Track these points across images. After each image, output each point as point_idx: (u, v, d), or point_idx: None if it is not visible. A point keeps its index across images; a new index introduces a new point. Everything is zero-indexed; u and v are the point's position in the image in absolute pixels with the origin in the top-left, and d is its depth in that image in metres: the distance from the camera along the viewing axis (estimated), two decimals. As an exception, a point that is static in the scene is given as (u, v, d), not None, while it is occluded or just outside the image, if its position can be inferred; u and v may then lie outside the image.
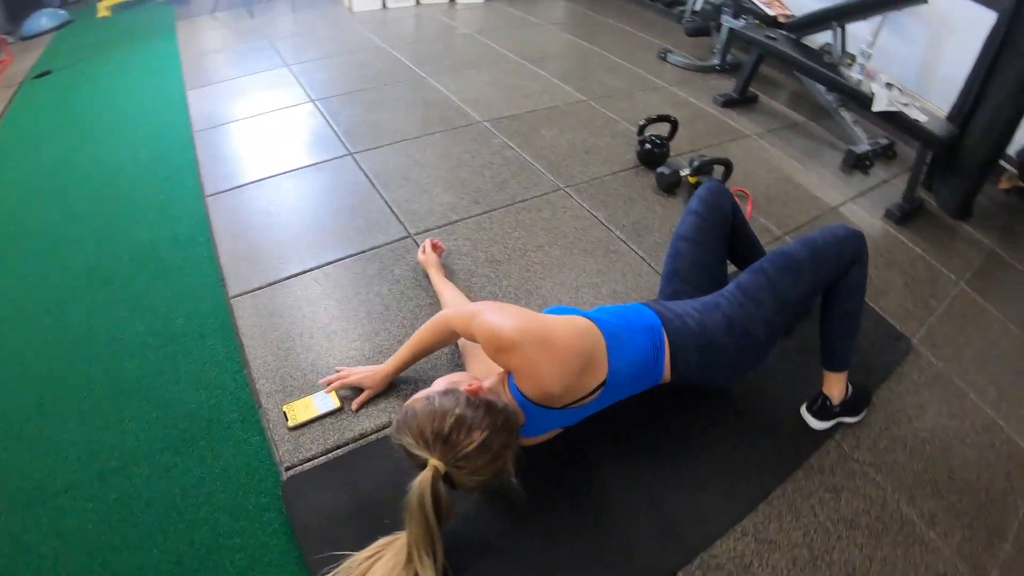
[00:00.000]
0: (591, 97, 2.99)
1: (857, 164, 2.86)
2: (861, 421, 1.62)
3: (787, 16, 3.15)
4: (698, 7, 3.99)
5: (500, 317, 1.13)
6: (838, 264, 1.37)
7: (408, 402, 1.10)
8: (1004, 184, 2.91)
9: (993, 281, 2.42)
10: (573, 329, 1.17)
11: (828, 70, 2.73)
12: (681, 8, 4.23)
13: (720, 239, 1.57)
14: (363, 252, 1.85)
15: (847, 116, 3.13)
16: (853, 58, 2.76)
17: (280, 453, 1.28)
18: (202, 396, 1.40)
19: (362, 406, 1.41)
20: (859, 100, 2.56)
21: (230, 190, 2.10)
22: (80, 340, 1.56)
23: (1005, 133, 2.53)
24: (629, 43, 3.82)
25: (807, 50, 2.92)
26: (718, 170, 2.36)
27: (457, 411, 1.00)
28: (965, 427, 1.72)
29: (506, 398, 1.13)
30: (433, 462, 0.98)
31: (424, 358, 1.47)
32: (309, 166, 2.24)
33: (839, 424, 1.60)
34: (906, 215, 2.50)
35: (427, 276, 1.76)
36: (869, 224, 2.53)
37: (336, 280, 1.75)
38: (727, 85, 3.40)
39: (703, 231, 1.54)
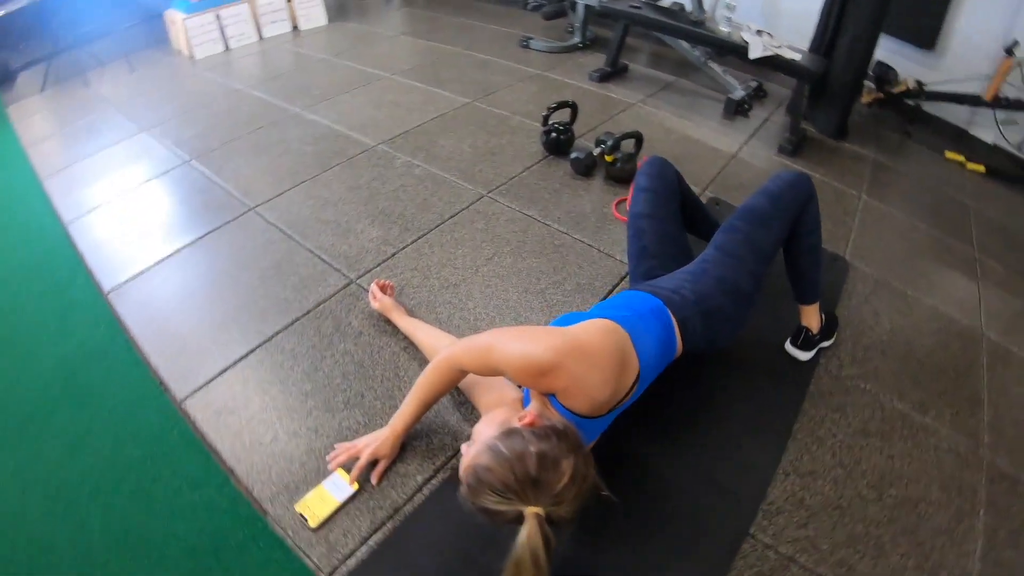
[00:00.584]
0: (474, 98, 3.00)
1: (738, 110, 3.13)
2: (835, 342, 1.80)
3: None
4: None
5: (524, 343, 1.09)
6: (796, 205, 1.49)
7: (466, 463, 1.00)
8: (867, 98, 3.35)
9: (886, 186, 2.77)
10: (600, 331, 1.15)
11: (701, 29, 2.96)
12: None
13: (676, 208, 1.64)
14: (309, 312, 1.71)
15: (717, 67, 3.42)
16: (733, 8, 2.94)
17: (314, 560, 1.14)
18: (195, 524, 1.20)
19: (383, 477, 1.32)
20: (735, 51, 2.81)
21: (131, 280, 1.83)
22: (15, 508, 1.29)
23: (866, 54, 2.90)
24: (487, 38, 3.86)
25: (673, 13, 3.12)
26: (627, 144, 2.47)
27: (533, 448, 0.93)
28: (915, 321, 1.95)
29: (556, 418, 1.10)
30: (532, 510, 0.90)
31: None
32: (211, 232, 2.02)
33: (820, 350, 1.75)
34: (796, 147, 2.79)
35: (389, 321, 1.67)
36: (768, 161, 2.78)
37: (293, 349, 1.60)
38: (595, 60, 3.56)
39: (660, 204, 1.61)
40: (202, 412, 1.43)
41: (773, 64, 2.77)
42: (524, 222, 2.13)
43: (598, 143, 2.47)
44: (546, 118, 2.52)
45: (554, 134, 2.51)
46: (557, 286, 1.86)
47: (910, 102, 3.57)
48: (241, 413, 1.43)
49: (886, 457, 1.51)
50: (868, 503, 1.40)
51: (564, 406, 1.12)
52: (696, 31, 2.97)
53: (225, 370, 1.54)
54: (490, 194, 2.26)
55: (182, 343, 1.61)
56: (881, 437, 1.56)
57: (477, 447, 1.01)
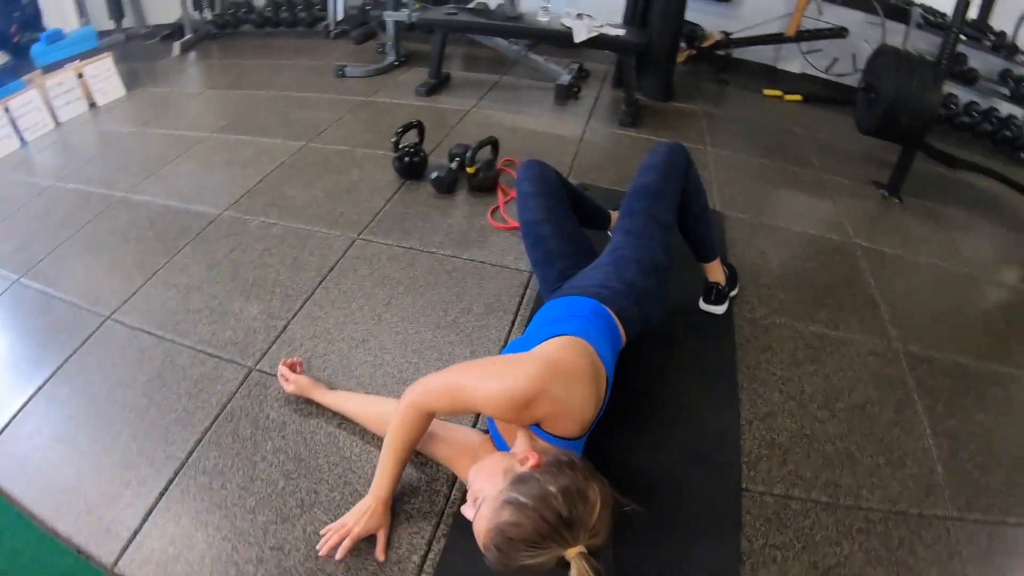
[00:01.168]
0: (307, 139, 2.77)
1: (568, 95, 3.27)
2: (740, 289, 1.92)
3: None
4: (340, 16, 4.04)
5: (501, 378, 1.01)
6: (680, 173, 1.56)
7: (483, 527, 0.89)
8: (681, 58, 3.67)
9: (725, 134, 3.05)
10: (568, 348, 1.09)
11: (521, 23, 3.04)
12: (324, 24, 4.23)
13: (568, 206, 1.64)
14: (217, 417, 1.43)
15: (538, 58, 3.54)
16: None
17: None
18: None
19: (388, 549, 1.16)
20: (560, 38, 2.93)
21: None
22: None
23: (679, 16, 3.18)
24: (299, 75, 3.62)
25: (490, 13, 3.17)
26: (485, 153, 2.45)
27: (554, 488, 0.85)
28: (795, 249, 2.15)
29: (554, 450, 1.03)
30: (575, 551, 0.82)
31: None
32: (70, 357, 1.61)
33: (731, 300, 1.86)
34: (634, 118, 2.97)
35: (311, 401, 1.48)
36: (612, 138, 2.93)
37: (216, 466, 1.31)
38: (416, 76, 3.49)
39: (552, 206, 1.56)
40: (143, 570, 1.15)
41: (599, 43, 2.93)
42: (408, 256, 2.00)
43: (452, 157, 2.41)
44: (396, 143, 2.42)
45: (407, 158, 2.40)
46: (466, 312, 1.77)
47: (721, 53, 4.00)
48: (188, 557, 1.16)
49: (823, 377, 1.64)
50: (826, 423, 1.50)
51: (551, 434, 1.05)
52: (519, 26, 3.05)
53: (149, 513, 1.23)
54: (361, 236, 2.09)
55: (85, 497, 1.27)
56: (811, 361, 1.68)
57: (489, 505, 0.90)
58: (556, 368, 1.02)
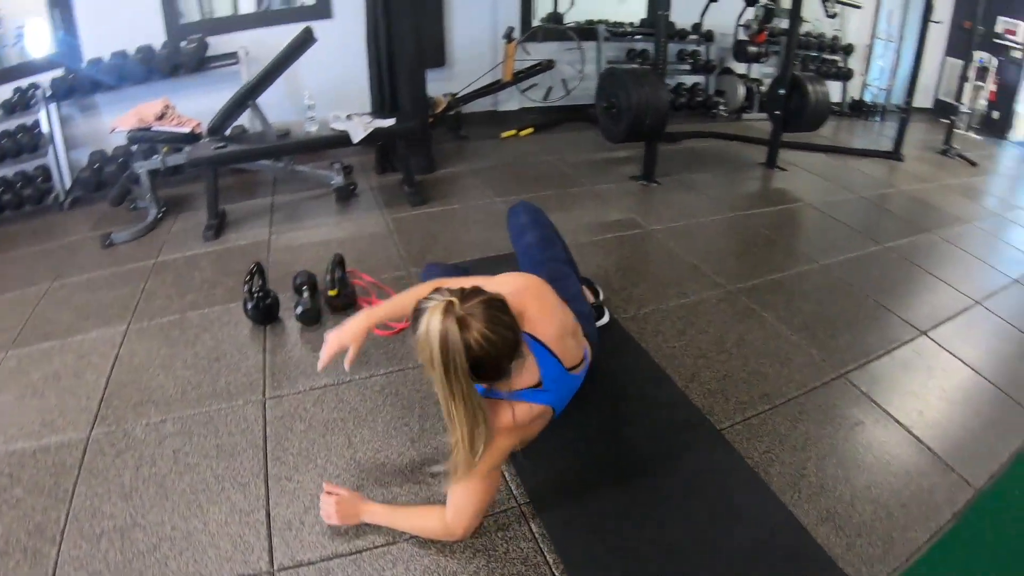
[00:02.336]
0: (126, 320, 2.40)
1: (348, 194, 3.44)
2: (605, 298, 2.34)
3: (198, 124, 3.20)
4: (68, 184, 3.57)
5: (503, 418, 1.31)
6: (545, 219, 1.93)
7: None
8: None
9: (497, 182, 3.69)
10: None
11: (297, 139, 3.15)
12: (53, 195, 3.66)
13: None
14: None
15: (304, 167, 3.59)
16: (313, 106, 3.19)
17: None
18: None
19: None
20: (337, 143, 3.08)
21: None
22: None
23: (424, 95, 3.62)
24: (60, 256, 3.08)
25: (260, 137, 3.21)
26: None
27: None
28: (613, 253, 2.68)
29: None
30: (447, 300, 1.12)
31: None
32: None
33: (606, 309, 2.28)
34: (421, 195, 3.34)
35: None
36: (415, 219, 3.22)
37: None
38: (187, 222, 3.30)
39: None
40: None
41: (377, 138, 3.13)
42: (330, 393, 1.95)
43: (300, 288, 2.37)
44: (250, 290, 2.30)
45: (261, 304, 2.31)
46: (425, 416, 1.85)
47: (451, 113, 4.49)
48: None
49: (704, 333, 2.22)
50: (728, 361, 2.08)
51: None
52: (293, 143, 3.11)
53: None
54: (268, 396, 1.98)
55: None
56: (690, 326, 2.24)
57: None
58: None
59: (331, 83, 3.95)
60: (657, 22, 3.45)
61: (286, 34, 4.00)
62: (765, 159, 4.24)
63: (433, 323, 1.10)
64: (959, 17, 5.90)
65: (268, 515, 1.56)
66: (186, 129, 3.18)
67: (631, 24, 5.12)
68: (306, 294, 2.36)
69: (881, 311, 2.55)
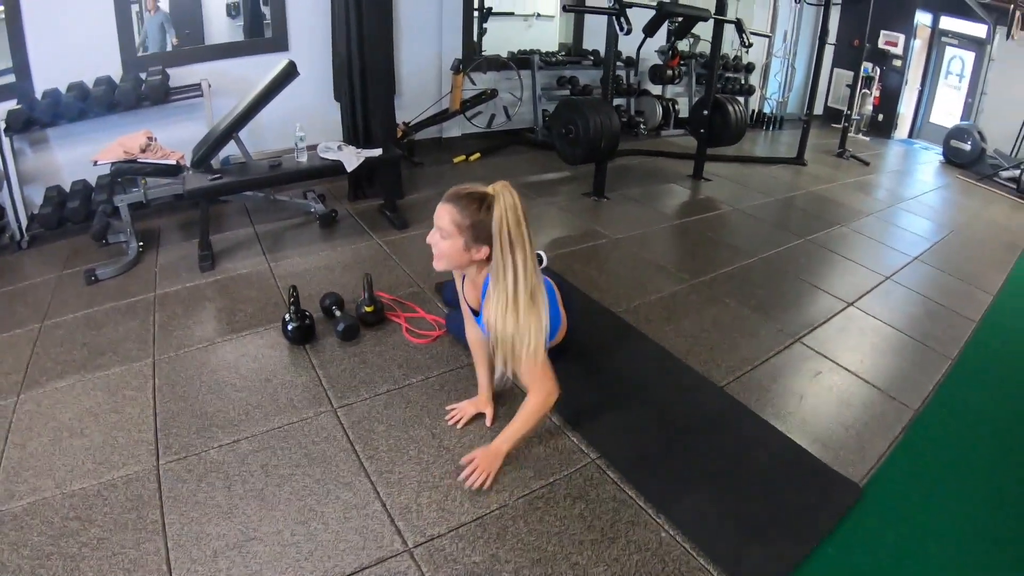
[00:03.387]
0: (149, 354, 2.43)
1: (331, 219, 3.62)
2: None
3: (182, 156, 3.23)
4: (25, 223, 3.43)
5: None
6: None
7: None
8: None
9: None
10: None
11: (290, 169, 3.26)
12: (8, 235, 3.43)
13: None
14: None
15: (285, 197, 3.71)
16: (303, 138, 3.32)
17: None
18: None
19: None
20: (331, 172, 3.29)
21: None
22: None
23: (394, 124, 3.81)
24: (40, 295, 2.95)
25: (253, 168, 3.29)
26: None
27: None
28: (586, 259, 3.08)
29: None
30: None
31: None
32: None
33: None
34: (403, 220, 3.60)
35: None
36: (406, 240, 3.45)
37: None
38: (173, 254, 3.30)
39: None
40: None
41: (367, 165, 3.34)
42: (399, 395, 2.17)
43: (330, 309, 2.57)
44: (298, 312, 2.43)
45: (302, 324, 2.44)
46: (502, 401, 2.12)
47: (405, 140, 4.75)
48: None
49: (679, 317, 2.71)
50: (713, 331, 2.56)
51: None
52: (288, 172, 3.25)
53: None
54: (338, 407, 2.13)
55: None
56: (674, 312, 2.66)
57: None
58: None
59: (289, 114, 4.03)
60: (607, 56, 3.94)
61: (244, 66, 4.20)
62: (692, 172, 4.88)
63: (509, 194, 1.64)
64: (844, 33, 6.95)
65: (383, 505, 1.74)
66: (172, 161, 3.20)
67: (561, 54, 5.64)
68: (338, 312, 2.55)
69: (816, 291, 3.16)
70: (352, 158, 3.28)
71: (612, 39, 3.79)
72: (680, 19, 4.32)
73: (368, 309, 2.55)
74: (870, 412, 2.25)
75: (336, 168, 3.29)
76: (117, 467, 1.89)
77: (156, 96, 3.73)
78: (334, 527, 1.67)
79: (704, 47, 6.09)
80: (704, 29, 5.14)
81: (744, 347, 2.56)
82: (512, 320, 1.64)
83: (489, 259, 1.70)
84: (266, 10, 4.48)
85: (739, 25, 4.53)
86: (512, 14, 6.09)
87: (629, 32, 3.52)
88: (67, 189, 3.68)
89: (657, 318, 2.73)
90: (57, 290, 3.05)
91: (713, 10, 4.31)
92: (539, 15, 6.98)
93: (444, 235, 1.71)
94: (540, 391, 1.77)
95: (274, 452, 1.94)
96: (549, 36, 6.98)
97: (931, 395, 2.39)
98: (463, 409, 2.06)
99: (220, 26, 4.39)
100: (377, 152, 3.41)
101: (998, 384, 2.61)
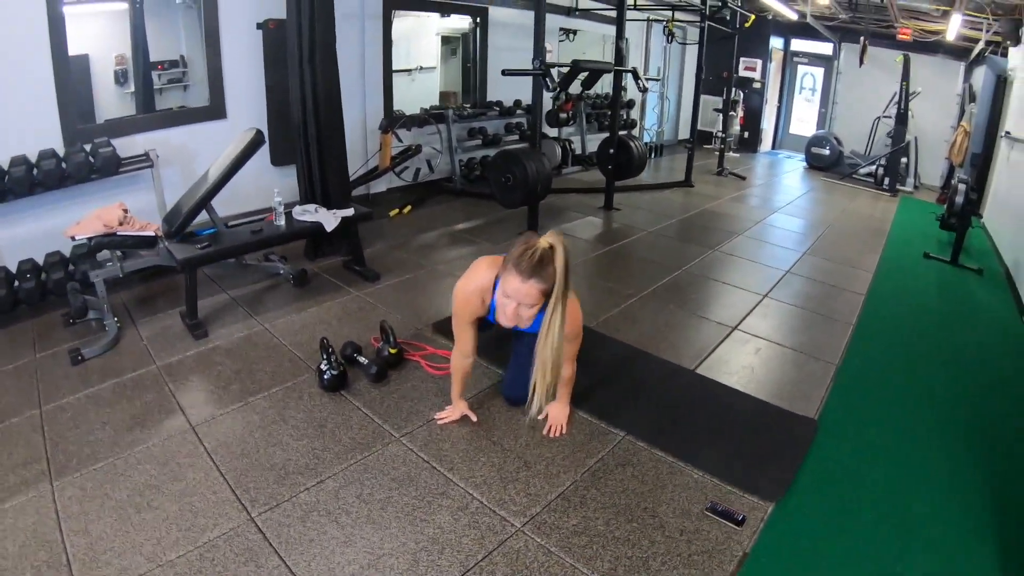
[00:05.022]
0: (181, 427, 2.47)
1: (303, 279, 3.91)
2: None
3: (158, 228, 3.34)
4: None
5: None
6: None
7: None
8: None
9: (415, 251, 4.34)
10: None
11: (271, 233, 3.53)
12: None
13: None
14: None
15: (254, 261, 3.95)
16: (281, 203, 3.57)
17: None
18: None
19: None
20: (311, 234, 3.66)
21: None
22: None
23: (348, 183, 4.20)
24: (24, 381, 2.88)
25: (235, 235, 3.50)
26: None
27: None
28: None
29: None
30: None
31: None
32: None
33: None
34: (372, 274, 3.99)
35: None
36: (379, 292, 3.83)
37: None
38: (155, 326, 3.36)
39: None
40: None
41: (345, 222, 3.71)
42: (468, 432, 2.55)
43: (353, 357, 2.89)
44: (337, 361, 2.73)
45: (338, 372, 2.73)
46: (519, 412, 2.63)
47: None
48: None
49: (640, 324, 3.31)
50: (669, 331, 3.18)
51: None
52: (270, 236, 3.52)
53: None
54: (401, 436, 2.46)
55: None
56: (635, 321, 3.32)
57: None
58: None
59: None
60: (534, 111, 4.66)
61: (184, 134, 4.39)
62: (603, 204, 5.74)
63: (562, 246, 1.97)
64: (710, 65, 8.21)
65: (481, 502, 2.15)
66: (150, 233, 3.30)
67: (469, 108, 6.33)
68: (361, 359, 2.92)
69: (735, 289, 4.10)
70: (330, 219, 3.64)
71: (538, 95, 4.52)
72: (588, 72, 5.17)
73: (392, 351, 2.93)
74: (804, 370, 3.11)
75: (315, 230, 3.64)
76: (208, 528, 2.00)
77: (108, 168, 3.78)
78: (449, 528, 2.03)
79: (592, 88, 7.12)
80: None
81: (696, 340, 3.31)
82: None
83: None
84: (182, 75, 4.63)
85: (635, 73, 5.51)
86: (404, 71, 6.72)
87: (555, 90, 4.25)
88: (13, 270, 3.55)
89: (624, 327, 3.40)
90: (40, 374, 2.98)
91: (613, 62, 5.24)
92: (422, 68, 7.69)
93: (531, 304, 2.02)
94: (573, 362, 2.40)
95: (363, 484, 2.23)
96: (432, 87, 7.68)
97: (844, 351, 3.32)
98: (449, 414, 2.56)
99: (109, 94, 4.41)
100: (350, 212, 3.79)
101: (890, 334, 3.69)
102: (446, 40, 7.92)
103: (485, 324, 2.45)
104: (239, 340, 3.26)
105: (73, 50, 3.85)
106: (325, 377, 2.76)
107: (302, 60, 3.93)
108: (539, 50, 4.30)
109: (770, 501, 2.17)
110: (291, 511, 2.09)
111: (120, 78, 4.49)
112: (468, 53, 7.19)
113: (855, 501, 2.24)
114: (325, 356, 2.78)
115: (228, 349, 3.17)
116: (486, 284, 2.21)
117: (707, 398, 2.78)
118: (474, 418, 2.54)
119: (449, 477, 2.28)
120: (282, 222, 3.61)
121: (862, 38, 8.61)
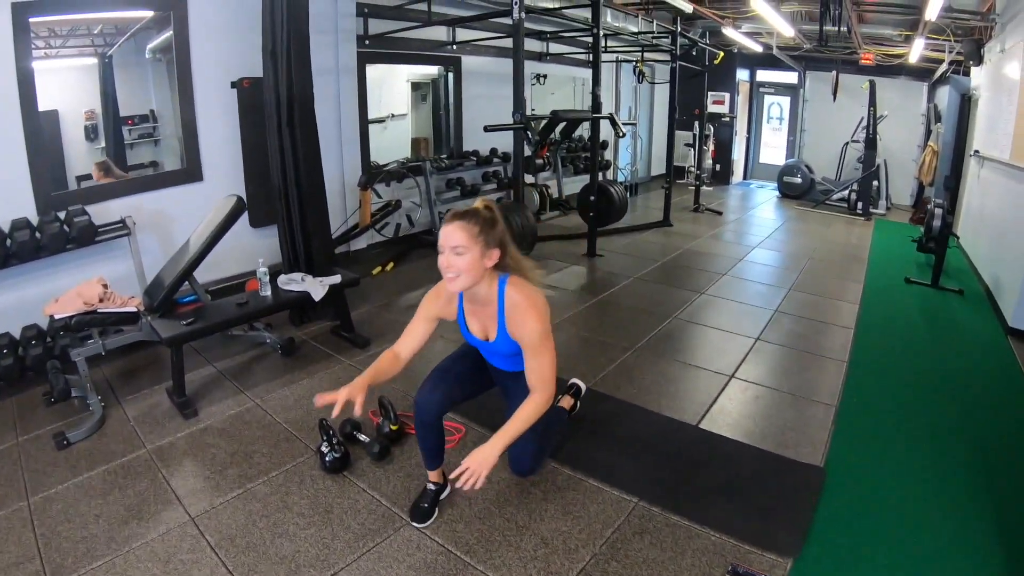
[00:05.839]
0: (190, 508, 2.39)
1: (291, 348, 3.94)
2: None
3: (139, 302, 3.37)
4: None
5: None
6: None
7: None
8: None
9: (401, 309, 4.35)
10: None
11: (259, 305, 3.57)
12: None
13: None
14: None
15: (241, 332, 3.98)
16: (266, 273, 3.59)
17: None
18: None
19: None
20: (298, 303, 3.74)
21: None
22: None
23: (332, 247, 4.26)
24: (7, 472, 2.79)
25: (221, 309, 3.53)
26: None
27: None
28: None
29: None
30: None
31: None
32: None
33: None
34: (362, 340, 4.04)
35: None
36: (372, 358, 3.70)
37: None
38: (142, 406, 3.34)
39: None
40: None
41: (333, 289, 3.76)
42: (463, 494, 2.57)
43: (352, 435, 2.92)
44: (329, 445, 2.73)
45: (337, 452, 2.73)
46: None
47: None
48: None
49: (638, 378, 3.42)
50: (670, 383, 3.31)
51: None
52: (258, 309, 3.56)
53: None
54: (427, 529, 2.47)
55: None
56: (632, 376, 3.43)
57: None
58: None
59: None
60: (515, 164, 4.82)
61: (160, 199, 4.42)
62: (586, 251, 5.89)
63: (495, 205, 2.06)
64: (679, 100, 8.54)
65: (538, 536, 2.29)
66: (132, 308, 3.30)
67: (446, 158, 6.49)
68: (362, 437, 2.94)
69: (727, 335, 4.23)
70: (318, 287, 3.68)
71: (519, 147, 4.68)
72: (566, 122, 5.37)
73: (393, 428, 2.94)
74: (805, 415, 3.22)
75: (303, 299, 3.68)
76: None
77: (84, 238, 3.76)
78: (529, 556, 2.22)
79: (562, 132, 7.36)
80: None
81: (695, 392, 3.41)
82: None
83: (498, 265, 2.09)
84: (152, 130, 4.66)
85: (613, 119, 5.72)
86: (377, 120, 6.88)
87: (536, 143, 4.41)
88: None
89: (623, 383, 3.48)
90: (24, 461, 2.93)
91: (591, 110, 5.45)
92: (393, 115, 7.88)
93: (461, 251, 1.98)
94: (544, 391, 2.12)
95: (378, 575, 2.22)
96: (404, 135, 7.87)
97: (841, 391, 3.46)
98: (332, 397, 2.12)
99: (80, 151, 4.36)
100: (337, 279, 3.84)
101: (882, 367, 3.85)
102: (416, 86, 8.15)
103: (486, 381, 2.51)
104: (231, 418, 3.24)
105: (42, 106, 3.84)
106: (327, 459, 2.76)
107: (280, 122, 3.98)
108: (519, 103, 4.47)
109: (789, 557, 2.24)
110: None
111: (90, 133, 4.48)
112: (439, 99, 7.41)
113: (869, 546, 2.33)
114: (325, 438, 2.79)
115: (220, 429, 3.14)
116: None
117: (714, 454, 2.86)
118: (359, 411, 2.09)
119: (467, 561, 2.29)
120: (268, 292, 3.63)
121: (835, 72, 9.11)
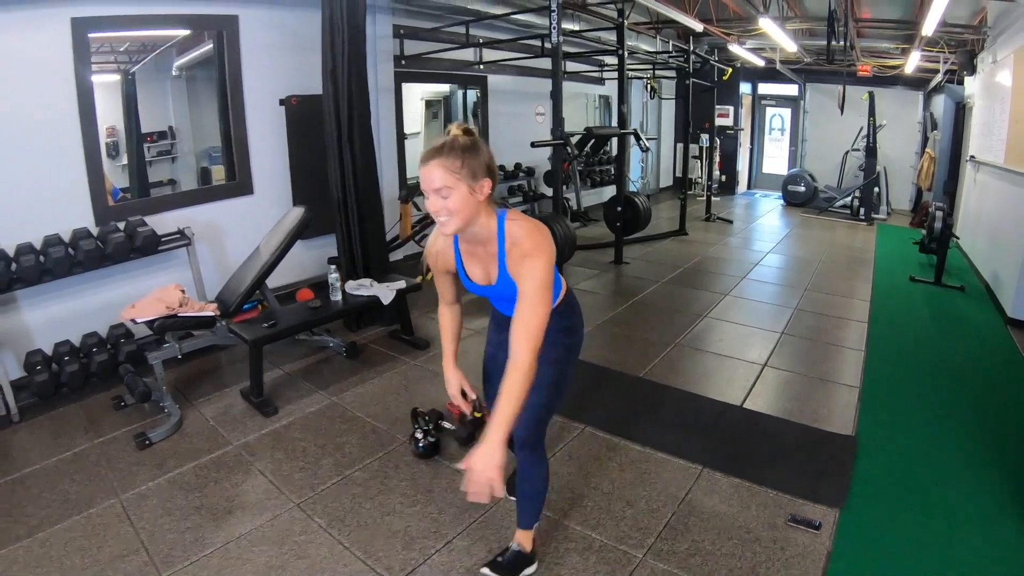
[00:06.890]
0: (295, 496, 2.68)
1: (356, 351, 4.31)
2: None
3: (215, 307, 3.66)
4: (9, 394, 3.45)
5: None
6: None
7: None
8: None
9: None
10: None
11: (332, 308, 3.98)
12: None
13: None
14: None
15: (305, 336, 4.37)
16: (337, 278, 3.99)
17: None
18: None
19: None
20: (370, 307, 4.16)
21: None
22: None
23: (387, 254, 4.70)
24: (67, 488, 2.89)
25: (299, 312, 3.93)
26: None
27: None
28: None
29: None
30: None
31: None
32: None
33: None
34: (423, 343, 4.46)
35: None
36: (435, 357, 4.26)
37: None
38: (217, 406, 3.58)
39: None
40: None
41: (399, 293, 4.21)
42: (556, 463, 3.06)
43: (438, 424, 3.22)
44: (423, 431, 3.08)
45: (431, 437, 3.10)
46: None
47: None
48: None
49: (685, 369, 3.91)
50: (703, 374, 3.81)
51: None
52: (333, 312, 4.00)
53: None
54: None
55: None
56: (676, 369, 3.93)
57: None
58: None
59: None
60: (555, 177, 5.31)
61: (212, 211, 4.73)
62: (613, 259, 6.43)
63: (469, 128, 1.80)
64: (685, 115, 9.11)
65: (603, 542, 2.60)
66: (210, 313, 3.60)
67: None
68: (448, 424, 3.35)
69: (755, 330, 4.76)
70: (386, 292, 4.12)
71: (557, 161, 5.20)
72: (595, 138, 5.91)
73: (478, 415, 3.32)
74: (833, 395, 3.76)
75: (374, 303, 4.11)
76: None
77: (147, 247, 4.00)
78: (581, 568, 2.44)
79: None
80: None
81: (735, 379, 3.91)
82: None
83: (490, 196, 1.82)
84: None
85: (637, 134, 6.28)
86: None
87: (575, 157, 4.92)
88: (49, 352, 3.72)
89: (669, 374, 3.97)
90: (107, 461, 3.09)
91: (618, 127, 6.00)
92: (407, 135, 8.35)
93: (446, 192, 1.72)
94: (528, 349, 1.72)
95: (488, 540, 2.52)
96: (419, 151, 8.29)
97: (862, 375, 4.00)
98: (456, 398, 2.25)
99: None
100: (402, 284, 4.29)
101: (897, 355, 4.38)
102: (428, 104, 8.62)
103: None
104: (312, 415, 3.54)
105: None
106: (420, 445, 3.11)
107: (340, 137, 4.34)
108: (558, 121, 4.99)
109: (836, 507, 2.73)
110: (429, 574, 2.36)
111: (112, 151, 4.59)
112: (451, 116, 7.88)
113: (903, 497, 2.83)
114: (418, 425, 3.18)
115: (304, 424, 3.44)
116: (447, 239, 2.02)
117: (759, 428, 3.36)
118: (472, 394, 2.28)
119: (566, 524, 2.69)
120: (339, 296, 4.05)
121: (841, 86, 9.75)
